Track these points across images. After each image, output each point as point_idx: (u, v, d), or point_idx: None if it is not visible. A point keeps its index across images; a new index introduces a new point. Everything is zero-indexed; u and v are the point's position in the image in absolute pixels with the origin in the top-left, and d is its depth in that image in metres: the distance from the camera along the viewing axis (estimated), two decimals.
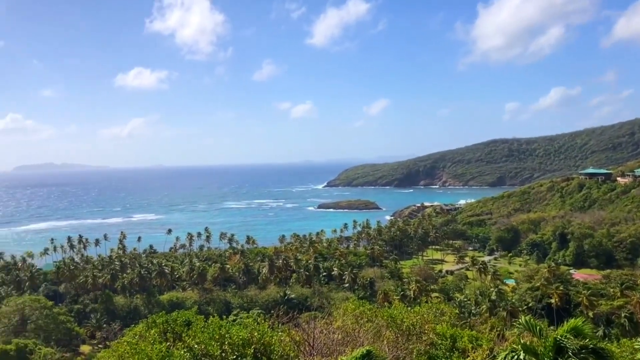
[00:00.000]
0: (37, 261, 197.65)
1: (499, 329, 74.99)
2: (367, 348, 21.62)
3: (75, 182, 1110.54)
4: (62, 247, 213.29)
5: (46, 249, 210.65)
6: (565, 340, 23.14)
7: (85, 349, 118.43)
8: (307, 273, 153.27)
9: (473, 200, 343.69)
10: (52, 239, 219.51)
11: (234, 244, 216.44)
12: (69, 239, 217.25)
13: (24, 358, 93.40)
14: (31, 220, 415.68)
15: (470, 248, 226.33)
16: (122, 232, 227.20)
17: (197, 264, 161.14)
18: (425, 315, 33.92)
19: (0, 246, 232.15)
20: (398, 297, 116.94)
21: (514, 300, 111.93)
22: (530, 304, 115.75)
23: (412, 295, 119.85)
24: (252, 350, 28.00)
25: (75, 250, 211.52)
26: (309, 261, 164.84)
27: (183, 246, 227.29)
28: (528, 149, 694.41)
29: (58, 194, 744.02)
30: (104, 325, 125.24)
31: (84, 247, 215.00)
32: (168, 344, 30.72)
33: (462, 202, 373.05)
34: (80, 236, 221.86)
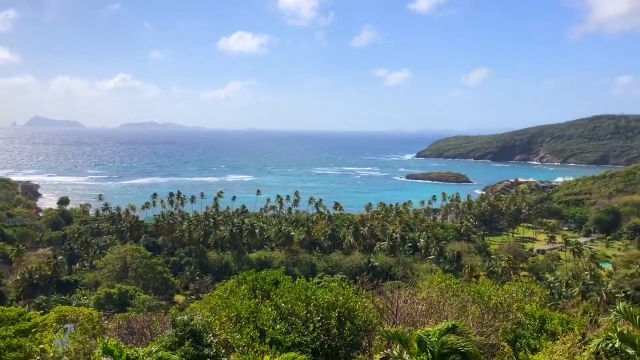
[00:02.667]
0: (139, 214, 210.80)
1: (592, 314, 71.56)
2: (453, 322, 21.31)
3: (177, 141, 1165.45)
4: (161, 202, 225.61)
5: (147, 203, 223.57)
6: None
7: (179, 298, 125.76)
8: (392, 242, 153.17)
9: (571, 179, 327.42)
10: (154, 194, 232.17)
11: (322, 209, 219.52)
12: (170, 194, 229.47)
13: (125, 301, 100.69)
14: (136, 176, 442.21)
15: (565, 228, 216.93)
16: (218, 192, 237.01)
17: (285, 226, 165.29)
18: (514, 294, 32.92)
19: (107, 198, 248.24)
20: (485, 273, 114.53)
21: (610, 286, 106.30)
22: (628, 291, 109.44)
23: (500, 272, 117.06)
24: (336, 314, 28.50)
25: (173, 205, 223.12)
26: (395, 231, 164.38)
27: (273, 208, 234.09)
28: (637, 126, 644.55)
29: (161, 152, 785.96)
30: (197, 277, 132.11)
31: (182, 203, 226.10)
32: (257, 300, 31.92)
33: (559, 179, 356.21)
34: (179, 192, 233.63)
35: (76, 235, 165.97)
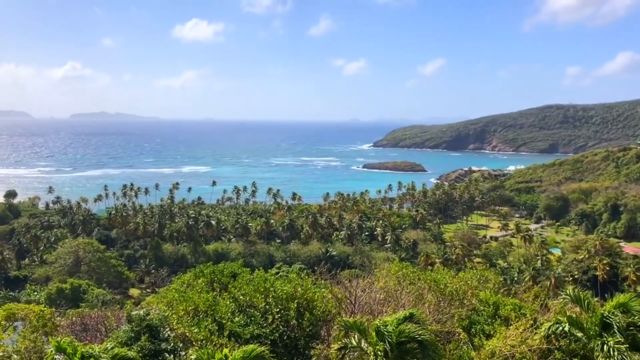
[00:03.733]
0: (91, 207, 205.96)
1: (542, 298, 74.07)
2: (410, 310, 21.68)
3: (130, 132, 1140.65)
4: (114, 194, 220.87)
5: (100, 196, 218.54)
6: (612, 316, 22.64)
7: (134, 292, 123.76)
8: (350, 232, 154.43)
9: (523, 167, 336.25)
10: (106, 186, 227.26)
11: (279, 200, 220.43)
12: (124, 186, 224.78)
13: (78, 297, 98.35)
14: (88, 167, 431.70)
15: (517, 215, 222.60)
16: (174, 184, 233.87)
17: (243, 217, 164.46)
18: (468, 282, 33.70)
19: (58, 191, 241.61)
20: (440, 260, 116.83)
21: (559, 270, 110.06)
22: (575, 275, 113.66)
23: (455, 260, 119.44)
24: (295, 305, 28.58)
25: (127, 197, 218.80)
26: (352, 220, 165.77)
27: (230, 199, 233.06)
28: (584, 116, 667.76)
29: (114, 143, 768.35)
30: (152, 270, 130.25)
31: (136, 195, 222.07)
32: (215, 293, 31.68)
33: (511, 168, 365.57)
34: (132, 184, 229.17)
35: (25, 229, 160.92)
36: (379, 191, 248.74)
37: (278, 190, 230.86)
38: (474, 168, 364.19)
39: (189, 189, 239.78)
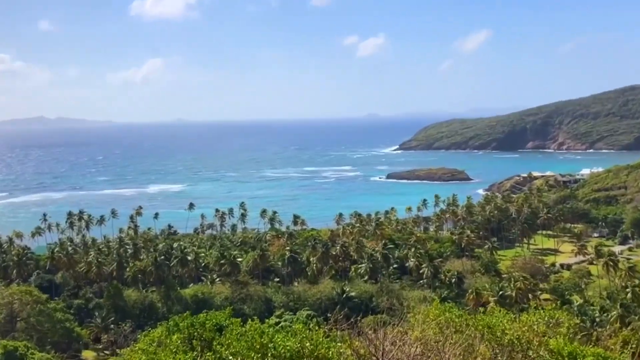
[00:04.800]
0: (28, 243, 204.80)
1: (634, 345, 73.46)
2: None
3: (76, 141, 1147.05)
4: (58, 225, 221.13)
5: (39, 228, 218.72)
6: None
7: (88, 355, 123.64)
8: (373, 264, 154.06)
9: (601, 170, 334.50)
10: (45, 215, 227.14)
11: (277, 225, 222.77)
12: (69, 214, 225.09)
13: None
14: (25, 191, 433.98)
15: (596, 235, 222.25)
16: (136, 209, 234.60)
17: (230, 249, 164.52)
18: (534, 326, 33.36)
19: None
20: (495, 298, 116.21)
21: None
22: None
23: (514, 297, 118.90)
24: None
25: (75, 229, 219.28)
26: (376, 249, 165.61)
27: (211, 226, 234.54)
28: None
29: (60, 157, 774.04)
30: (112, 325, 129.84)
31: (87, 227, 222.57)
32: (195, 354, 31.45)
33: (585, 171, 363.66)
34: (81, 212, 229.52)
35: None
36: (410, 209, 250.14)
37: (275, 213, 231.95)
38: (535, 173, 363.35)
39: (156, 215, 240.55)
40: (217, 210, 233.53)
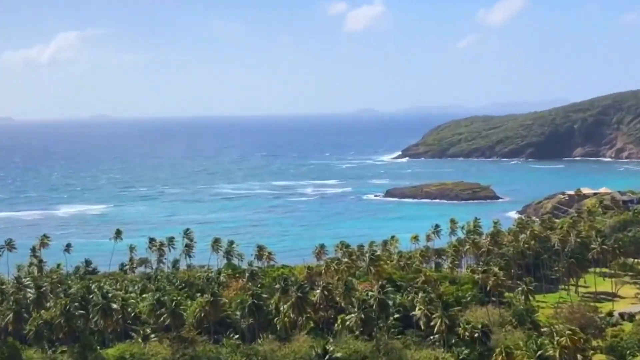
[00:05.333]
0: None
1: None
2: None
3: None
4: None
5: None
6: None
7: None
8: (365, 314, 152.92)
9: None
10: None
11: (236, 260, 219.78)
12: None
13: None
14: None
15: None
16: (41, 238, 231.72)
17: (170, 294, 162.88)
18: None
19: None
20: None
21: None
22: None
23: (557, 358, 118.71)
24: None
25: None
26: (370, 293, 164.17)
27: (145, 262, 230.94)
28: None
29: None
30: None
31: None
32: None
33: None
34: None
35: None
36: (416, 238, 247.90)
37: (233, 244, 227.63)
38: (585, 190, 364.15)
39: (69, 247, 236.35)
40: (152, 241, 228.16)
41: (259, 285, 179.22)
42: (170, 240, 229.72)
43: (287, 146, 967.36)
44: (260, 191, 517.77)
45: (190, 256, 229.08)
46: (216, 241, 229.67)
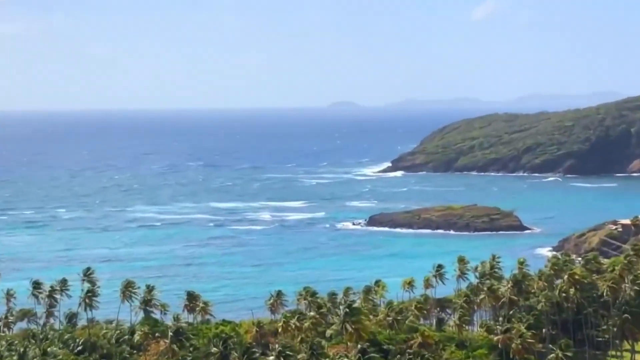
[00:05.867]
0: None
1: None
2: None
3: None
4: None
5: None
6: None
7: None
8: None
9: None
10: None
11: (157, 314, 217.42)
12: None
13: None
14: None
15: None
16: None
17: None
18: None
19: None
20: None
21: None
22: None
23: None
24: None
25: None
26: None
27: (28, 314, 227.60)
28: None
29: None
30: None
31: None
32: None
33: None
34: None
35: None
36: (411, 283, 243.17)
37: (153, 290, 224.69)
38: None
39: None
40: (38, 285, 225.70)
41: (190, 349, 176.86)
42: (64, 284, 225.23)
43: (234, 153, 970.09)
44: (195, 216, 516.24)
45: (92, 307, 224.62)
46: (128, 286, 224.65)
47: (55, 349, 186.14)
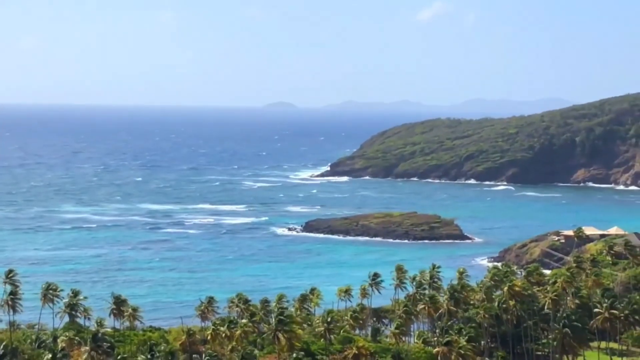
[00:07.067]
0: None
1: None
2: None
3: None
4: None
5: None
6: None
7: None
8: None
9: None
10: None
11: (82, 319, 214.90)
12: None
13: None
14: None
15: None
16: None
17: None
18: None
19: None
20: None
21: None
22: None
23: None
24: None
25: None
26: None
27: None
28: None
29: None
30: None
31: None
32: None
33: None
34: None
35: None
36: (347, 292, 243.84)
37: (79, 294, 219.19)
38: (588, 230, 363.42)
39: None
40: None
41: (116, 357, 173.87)
42: None
43: (170, 153, 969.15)
44: (130, 218, 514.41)
45: (15, 310, 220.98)
46: (50, 288, 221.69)
47: None
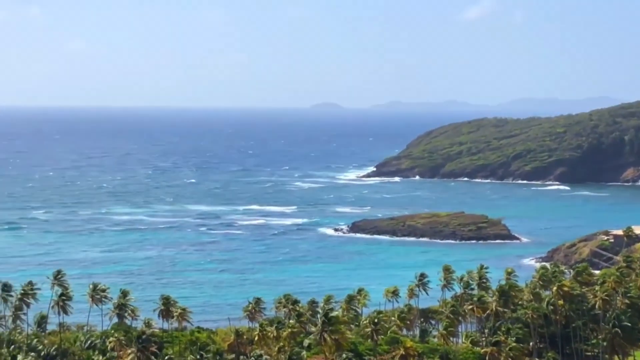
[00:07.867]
0: None
1: None
2: None
3: None
4: None
5: None
6: None
7: None
8: None
9: None
10: None
11: (130, 320, 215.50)
12: None
13: None
14: None
15: None
16: None
17: None
18: None
19: None
20: None
21: None
22: None
23: None
24: None
25: None
26: None
27: None
28: None
29: None
30: None
31: None
32: None
33: None
34: None
35: None
36: (394, 292, 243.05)
37: (127, 294, 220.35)
38: (638, 229, 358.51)
39: None
40: (7, 288, 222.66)
41: (165, 357, 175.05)
42: (31, 287, 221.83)
43: (222, 155, 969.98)
44: (181, 220, 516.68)
45: (66, 312, 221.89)
46: (97, 289, 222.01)
47: (21, 353, 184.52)
